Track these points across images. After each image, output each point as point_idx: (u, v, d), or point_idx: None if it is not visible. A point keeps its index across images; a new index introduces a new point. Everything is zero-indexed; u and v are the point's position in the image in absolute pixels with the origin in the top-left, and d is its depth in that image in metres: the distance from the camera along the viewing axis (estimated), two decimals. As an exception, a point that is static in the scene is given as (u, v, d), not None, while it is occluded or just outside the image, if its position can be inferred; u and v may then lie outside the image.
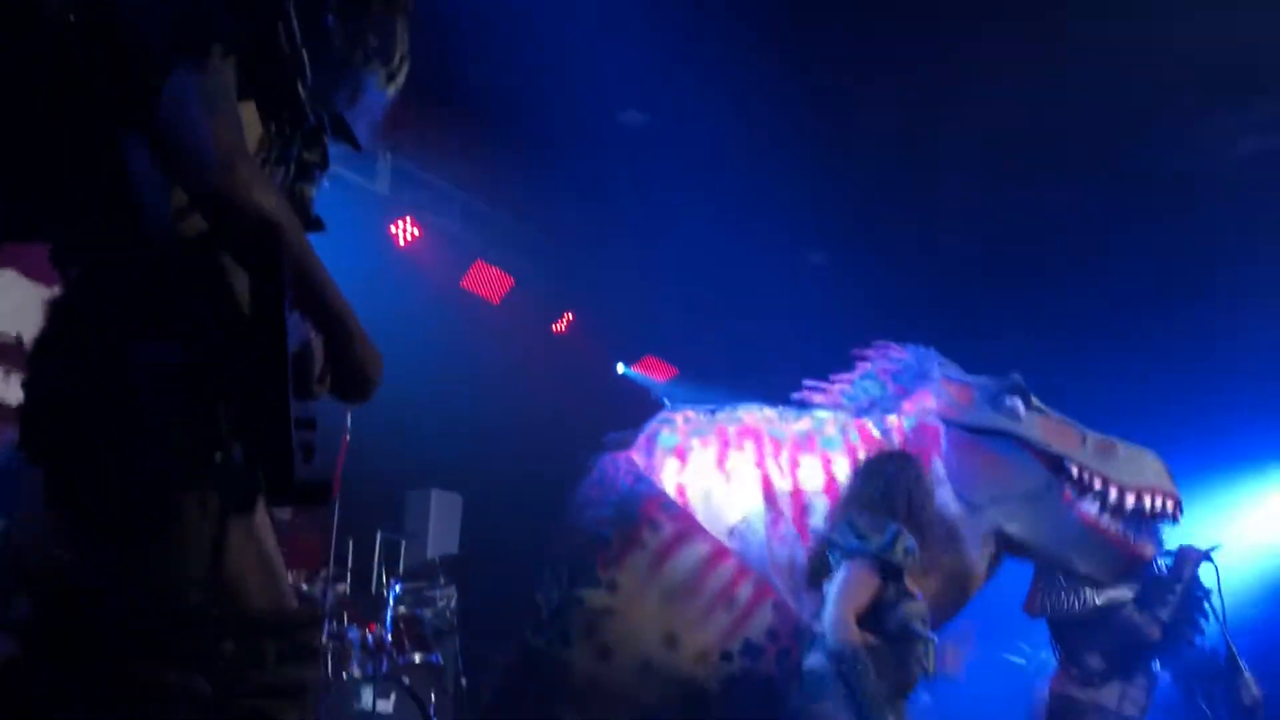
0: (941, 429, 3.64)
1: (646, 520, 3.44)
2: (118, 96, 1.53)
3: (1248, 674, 4.69)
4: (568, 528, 3.62)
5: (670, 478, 3.67)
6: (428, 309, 6.98)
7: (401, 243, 7.12)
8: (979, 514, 3.50)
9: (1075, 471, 3.53)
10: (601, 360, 8.63)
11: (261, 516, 1.65)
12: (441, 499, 7.57)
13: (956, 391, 3.72)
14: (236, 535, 1.56)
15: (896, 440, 3.64)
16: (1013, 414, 3.60)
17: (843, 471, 3.50)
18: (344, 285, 1.67)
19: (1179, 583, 4.84)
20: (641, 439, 3.81)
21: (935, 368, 3.79)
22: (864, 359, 3.92)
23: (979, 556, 3.50)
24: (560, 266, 7.82)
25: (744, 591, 3.33)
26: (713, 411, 3.84)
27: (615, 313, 8.27)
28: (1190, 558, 4.88)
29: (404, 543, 6.93)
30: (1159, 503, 3.55)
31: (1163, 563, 4.96)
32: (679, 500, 3.61)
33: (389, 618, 5.63)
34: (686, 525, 3.47)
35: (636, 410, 8.51)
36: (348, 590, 5.82)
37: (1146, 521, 5.19)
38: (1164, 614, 4.74)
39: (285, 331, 1.50)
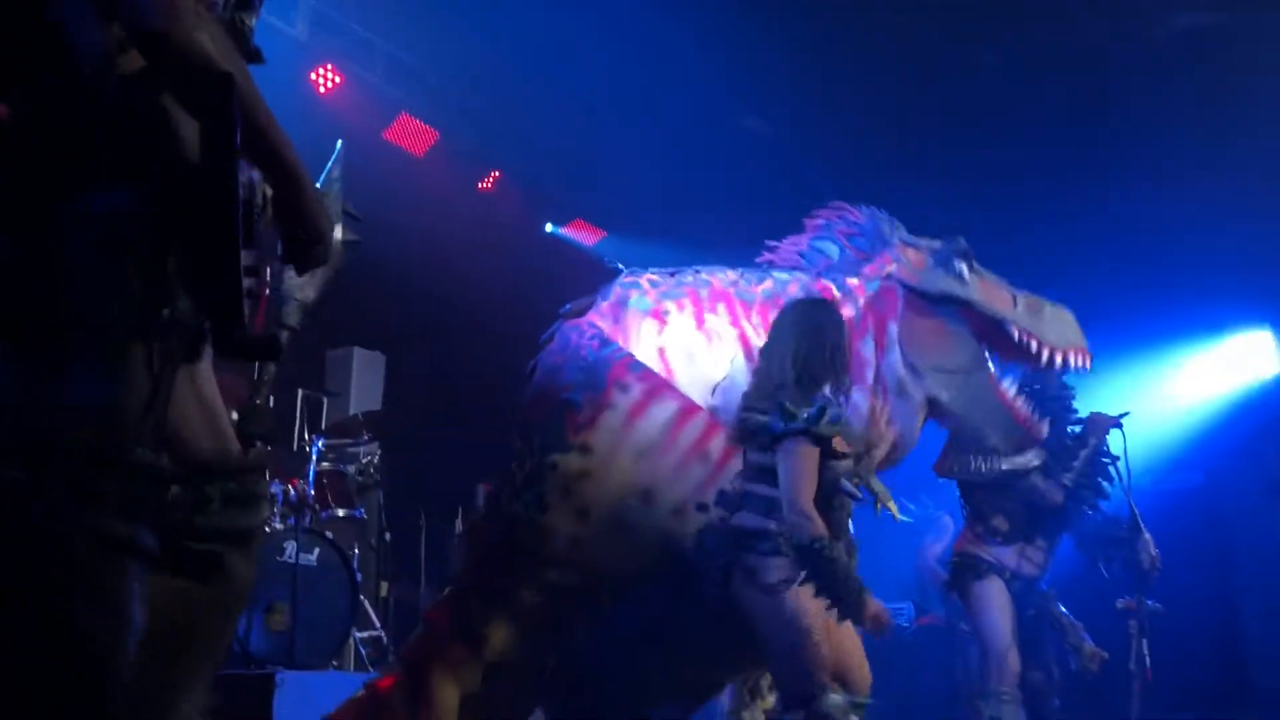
0: (899, 293, 3.73)
1: (615, 382, 3.45)
2: None
3: (1147, 536, 4.92)
4: (535, 396, 3.60)
5: (649, 340, 3.66)
6: (349, 160, 6.78)
7: (322, 90, 6.88)
8: (920, 379, 3.62)
9: (1015, 334, 3.68)
10: (528, 220, 8.52)
11: (206, 366, 1.62)
12: (364, 358, 7.52)
13: (913, 256, 3.79)
14: (182, 385, 1.53)
15: (859, 303, 3.71)
16: (960, 278, 3.71)
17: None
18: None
19: (1084, 449, 5.04)
20: (605, 305, 3.76)
21: (893, 231, 3.84)
22: (817, 220, 3.91)
23: (918, 420, 3.63)
24: (487, 123, 7.63)
25: (716, 445, 3.39)
26: (673, 274, 3.80)
27: (543, 173, 8.13)
28: (1098, 425, 5.07)
29: (326, 400, 6.89)
30: (1077, 359, 3.77)
31: (1073, 429, 5.15)
32: (660, 362, 3.63)
33: (311, 473, 5.64)
34: (655, 384, 3.49)
35: (563, 271, 8.53)
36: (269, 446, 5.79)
37: (1054, 398, 5.43)
38: (1067, 479, 4.95)
39: (236, 182, 1.44)
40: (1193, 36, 6.16)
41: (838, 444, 3.15)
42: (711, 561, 3.20)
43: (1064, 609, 5.18)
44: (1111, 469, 4.95)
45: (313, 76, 6.82)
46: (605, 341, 3.60)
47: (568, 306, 3.89)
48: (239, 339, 1.48)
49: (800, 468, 3.06)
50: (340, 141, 4.19)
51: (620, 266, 3.94)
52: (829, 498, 3.12)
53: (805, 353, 3.25)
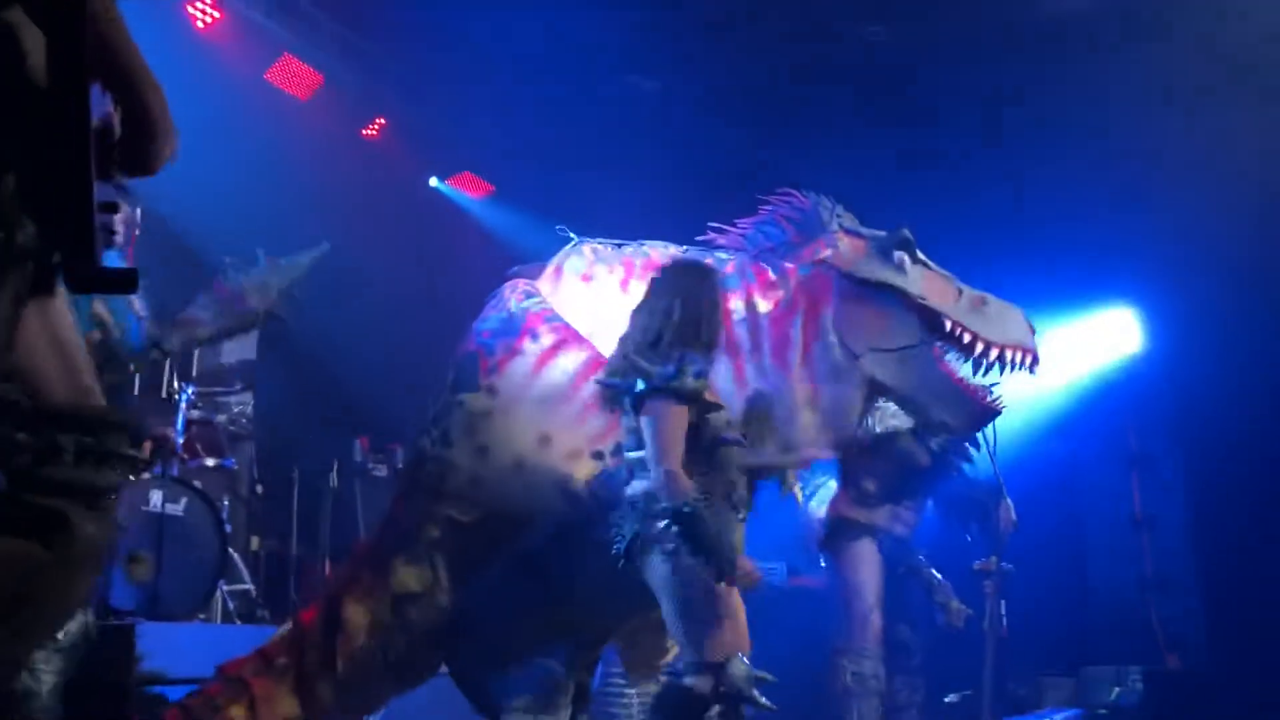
0: (834, 279, 3.76)
1: (528, 331, 3.60)
2: None
3: (1009, 501, 5.12)
4: (461, 343, 3.75)
5: (575, 300, 3.80)
6: (229, 101, 6.55)
7: (200, 25, 6.60)
8: (856, 362, 3.64)
9: (949, 326, 3.68)
10: (413, 171, 8.35)
11: (60, 303, 1.52)
12: (238, 305, 7.30)
13: (851, 243, 3.82)
14: (31, 322, 1.44)
15: (791, 285, 3.75)
16: (899, 268, 3.73)
17: (738, 312, 3.64)
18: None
19: None
20: (550, 268, 3.92)
21: (833, 218, 3.87)
22: (767, 205, 3.98)
23: (857, 400, 3.66)
24: (373, 68, 7.43)
25: None
26: (619, 245, 3.92)
27: (431, 123, 7.97)
28: None
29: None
30: (1018, 357, 3.73)
31: None
32: (580, 319, 3.73)
33: (180, 421, 5.47)
34: (566, 336, 3.60)
35: (446, 225, 8.41)
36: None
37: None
38: (934, 444, 5.14)
39: (88, 104, 1.35)
40: (1070, 20, 6.36)
41: (710, 396, 3.14)
42: (603, 508, 3.24)
43: (932, 568, 5.38)
44: (981, 434, 5.13)
45: (190, 10, 6.54)
46: (529, 294, 3.74)
47: (515, 269, 4.03)
48: (90, 271, 1.38)
49: (663, 426, 3.05)
50: (327, 245, 4.23)
51: (570, 235, 4.04)
52: (710, 452, 3.11)
53: (670, 315, 3.24)
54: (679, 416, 3.07)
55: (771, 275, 3.77)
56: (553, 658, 3.45)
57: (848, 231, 3.86)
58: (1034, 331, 3.82)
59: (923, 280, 3.76)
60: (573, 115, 7.47)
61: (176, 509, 5.02)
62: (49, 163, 1.36)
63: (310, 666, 3.50)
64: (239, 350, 6.93)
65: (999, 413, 3.81)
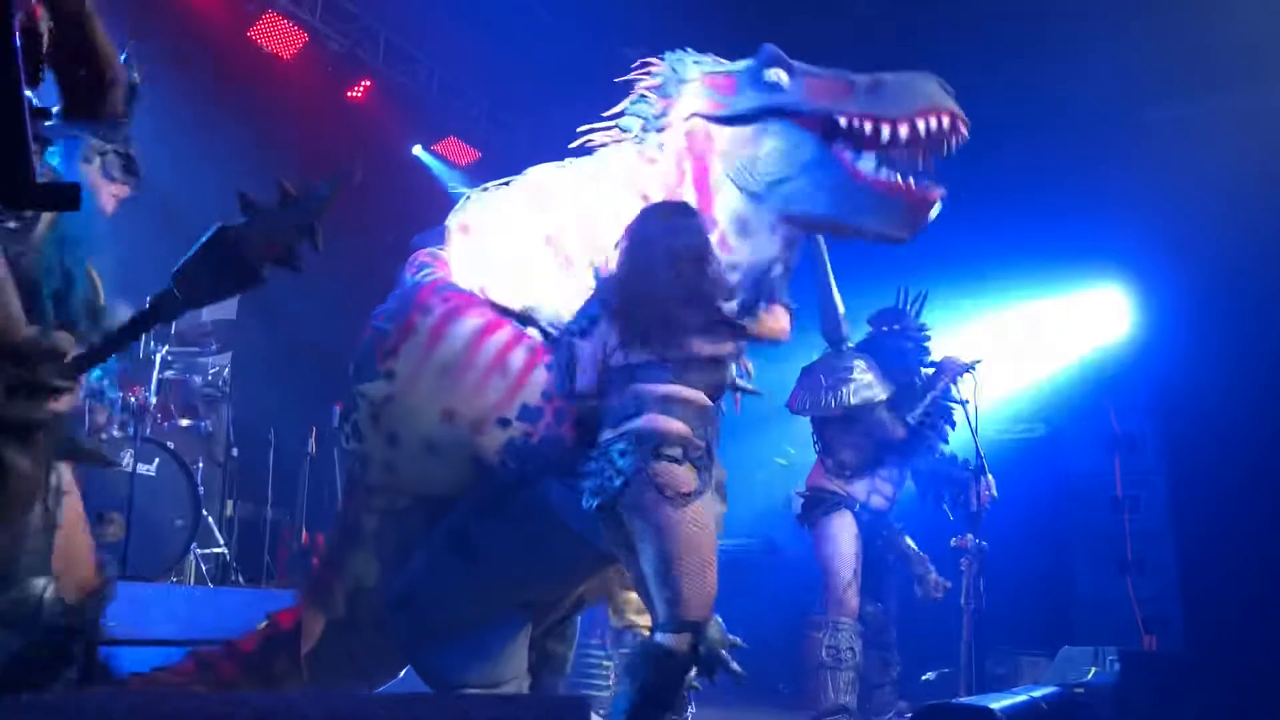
0: (710, 128, 3.39)
1: (419, 307, 3.37)
2: None
3: (990, 478, 5.09)
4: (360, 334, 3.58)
5: (459, 254, 3.55)
6: (211, 59, 6.44)
7: (182, -20, 6.49)
8: (762, 203, 3.30)
9: (844, 122, 3.21)
10: (399, 135, 8.24)
11: None
12: (219, 267, 7.19)
13: (718, 83, 3.43)
14: None
15: (673, 158, 3.41)
16: (775, 88, 3.33)
17: (632, 212, 3.24)
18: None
19: (930, 391, 5.20)
20: (444, 230, 3.66)
21: (691, 66, 3.49)
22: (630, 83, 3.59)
23: (772, 244, 3.34)
24: (360, 30, 7.32)
25: (516, 358, 3.26)
26: (507, 183, 3.62)
27: (416, 87, 7.86)
28: (949, 369, 5.22)
29: (175, 307, 6.57)
30: (934, 123, 3.14)
31: (926, 372, 5.30)
32: (469, 274, 3.52)
33: (154, 381, 5.39)
34: (457, 304, 3.37)
35: (429, 190, 8.31)
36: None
37: (909, 338, 5.47)
38: (911, 417, 5.12)
39: (6, 7, 1.26)
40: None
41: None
42: (517, 477, 3.12)
43: (910, 541, 5.36)
44: (962, 411, 5.10)
45: (173, -37, 6.43)
46: (421, 267, 3.52)
47: (418, 237, 3.78)
48: (26, 186, 1.28)
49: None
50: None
51: (462, 191, 3.81)
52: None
53: (670, 283, 3.01)
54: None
55: (655, 156, 3.45)
56: (505, 630, 3.37)
57: (710, 74, 3.48)
58: (949, 91, 3.24)
59: (804, 88, 3.33)
60: (559, 82, 7.38)
61: (148, 469, 4.96)
62: None
63: (280, 668, 3.45)
64: (217, 310, 6.84)
65: (933, 202, 3.24)
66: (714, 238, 3.24)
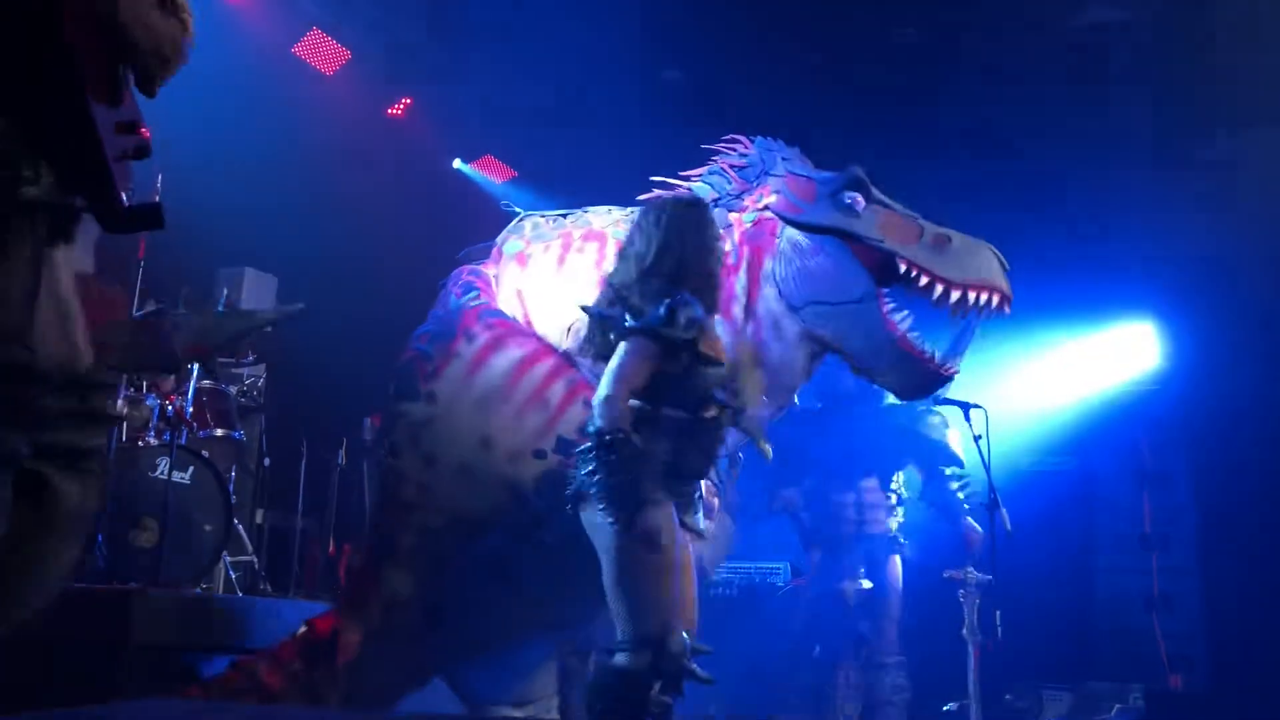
0: (778, 226, 3.51)
1: (463, 332, 3.50)
2: None
3: (1004, 511, 5.07)
4: (402, 352, 3.66)
5: (511, 283, 3.67)
6: (255, 74, 6.55)
7: (230, -2, 6.60)
8: (795, 315, 3.42)
9: (903, 268, 3.33)
10: (437, 152, 8.33)
11: (61, 256, 1.42)
12: (256, 279, 7.29)
13: (798, 187, 3.52)
14: (34, 273, 1.35)
15: (736, 236, 3.53)
16: (850, 210, 3.41)
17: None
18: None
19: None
20: (495, 249, 3.80)
21: (779, 162, 3.60)
22: (714, 155, 3.73)
23: (797, 353, 3.46)
24: (402, 47, 7.41)
25: (556, 391, 3.36)
26: (564, 216, 3.77)
27: (457, 105, 7.95)
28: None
29: (213, 318, 6.67)
30: (984, 298, 3.29)
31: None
32: (519, 305, 3.60)
33: (191, 390, 5.47)
34: (502, 332, 3.50)
35: (467, 207, 8.38)
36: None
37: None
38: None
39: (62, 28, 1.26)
40: (1099, 34, 6.31)
41: (709, 348, 2.92)
42: (552, 507, 3.13)
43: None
44: (975, 447, 5.08)
45: (221, -19, 6.54)
46: (468, 289, 3.62)
47: (465, 252, 3.89)
48: (118, 210, 1.30)
49: (631, 361, 2.85)
50: (301, 306, 3.97)
51: (516, 210, 3.89)
52: (698, 407, 2.93)
53: (665, 249, 3.01)
54: (650, 356, 2.86)
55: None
56: (535, 649, 3.41)
57: (795, 175, 3.57)
58: (1005, 268, 3.38)
59: (878, 222, 3.40)
60: (597, 104, 7.44)
61: (183, 477, 5.02)
62: (43, 97, 1.28)
63: (320, 678, 3.47)
64: (253, 323, 6.94)
65: (948, 379, 3.41)
66: (748, 329, 3.40)
